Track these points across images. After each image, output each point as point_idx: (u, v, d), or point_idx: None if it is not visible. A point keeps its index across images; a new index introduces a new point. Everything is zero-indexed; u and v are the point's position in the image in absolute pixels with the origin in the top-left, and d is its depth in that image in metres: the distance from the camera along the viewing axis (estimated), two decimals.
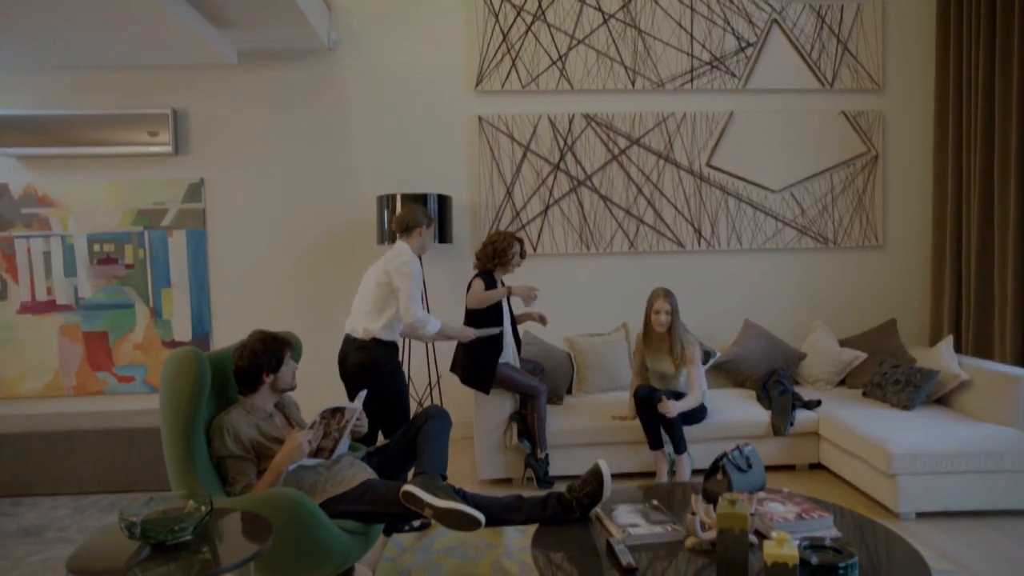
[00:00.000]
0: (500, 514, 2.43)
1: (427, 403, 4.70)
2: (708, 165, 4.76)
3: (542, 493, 2.48)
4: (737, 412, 3.90)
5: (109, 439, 4.09)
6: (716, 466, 2.61)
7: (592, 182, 4.72)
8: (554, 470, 3.86)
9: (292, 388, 2.66)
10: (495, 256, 3.78)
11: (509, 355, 3.80)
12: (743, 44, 4.73)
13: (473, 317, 3.74)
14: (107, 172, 4.57)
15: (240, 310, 4.66)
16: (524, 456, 3.81)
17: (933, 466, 3.19)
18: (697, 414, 3.77)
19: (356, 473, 2.57)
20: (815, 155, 4.79)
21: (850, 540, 2.23)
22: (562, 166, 4.70)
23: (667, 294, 3.78)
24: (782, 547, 1.87)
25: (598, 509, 2.44)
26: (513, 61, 4.64)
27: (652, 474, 3.95)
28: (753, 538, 2.19)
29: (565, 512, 2.41)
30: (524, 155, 4.69)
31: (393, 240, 4.21)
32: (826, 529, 2.28)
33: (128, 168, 4.57)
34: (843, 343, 4.53)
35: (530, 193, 4.71)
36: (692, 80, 4.72)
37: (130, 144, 4.45)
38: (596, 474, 2.38)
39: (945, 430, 3.37)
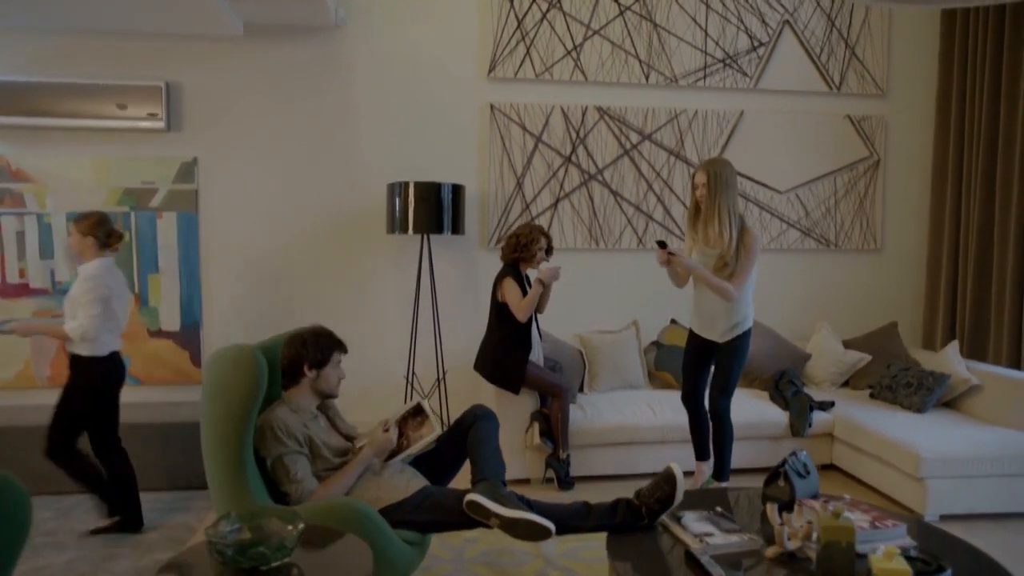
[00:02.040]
0: (568, 522, 2.33)
1: (430, 401, 4.55)
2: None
3: (609, 499, 2.39)
4: (754, 412, 3.89)
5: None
6: (777, 472, 2.57)
7: (603, 176, 4.64)
8: (573, 471, 3.78)
9: (333, 395, 2.51)
10: (518, 249, 3.66)
11: (535, 353, 3.70)
12: (756, 43, 4.72)
13: (506, 316, 3.62)
14: (91, 147, 4.23)
15: (233, 299, 4.40)
16: (545, 456, 3.72)
17: (960, 470, 3.25)
18: (739, 347, 3.29)
19: (410, 480, 2.43)
20: (821, 158, 4.83)
21: (928, 549, 2.21)
22: (573, 159, 4.61)
23: (709, 164, 3.23)
24: (892, 561, 1.83)
25: (665, 517, 2.37)
26: (527, 49, 4.50)
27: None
28: (812, 547, 2.15)
29: (634, 519, 2.33)
30: (536, 146, 4.57)
31: (405, 231, 4.04)
32: (900, 538, 2.26)
33: (114, 143, 4.25)
34: (846, 344, 4.60)
35: (540, 185, 4.59)
36: (705, 77, 4.68)
37: (117, 118, 4.13)
38: (668, 478, 2.31)
39: (965, 434, 3.43)
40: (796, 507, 2.32)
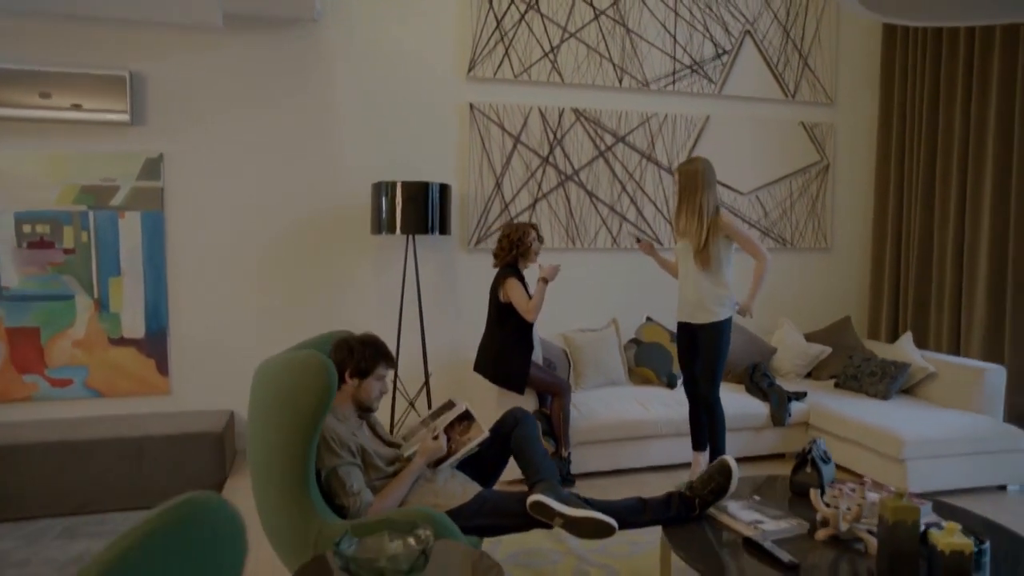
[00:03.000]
0: (625, 517, 2.37)
1: (418, 401, 4.48)
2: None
3: (662, 493, 2.44)
4: (736, 405, 4.06)
5: (55, 453, 3.51)
6: (804, 459, 2.71)
7: (579, 177, 4.71)
8: (572, 469, 3.83)
9: (372, 409, 2.44)
10: (513, 247, 3.67)
11: (535, 353, 3.71)
12: (720, 51, 4.93)
13: (508, 317, 3.61)
14: (44, 140, 3.89)
15: (203, 303, 4.17)
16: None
17: (934, 451, 3.53)
18: (718, 336, 3.46)
19: (464, 485, 2.40)
20: (778, 161, 5.10)
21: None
22: (551, 160, 4.65)
23: (688, 163, 3.50)
24: (953, 536, 1.98)
25: (711, 508, 2.45)
26: (506, 49, 4.51)
27: (665, 468, 4.04)
28: (860, 528, 2.29)
29: (687, 510, 2.39)
30: (514, 146, 4.58)
31: (392, 231, 3.96)
32: (927, 515, 2.44)
33: (71, 137, 3.92)
34: (807, 338, 4.87)
35: (519, 186, 4.61)
36: (674, 82, 4.84)
37: (75, 110, 3.82)
38: (723, 470, 2.39)
39: (932, 418, 3.73)
40: (828, 491, 2.44)
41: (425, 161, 4.46)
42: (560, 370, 4.18)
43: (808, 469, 2.68)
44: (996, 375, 3.91)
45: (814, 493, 2.39)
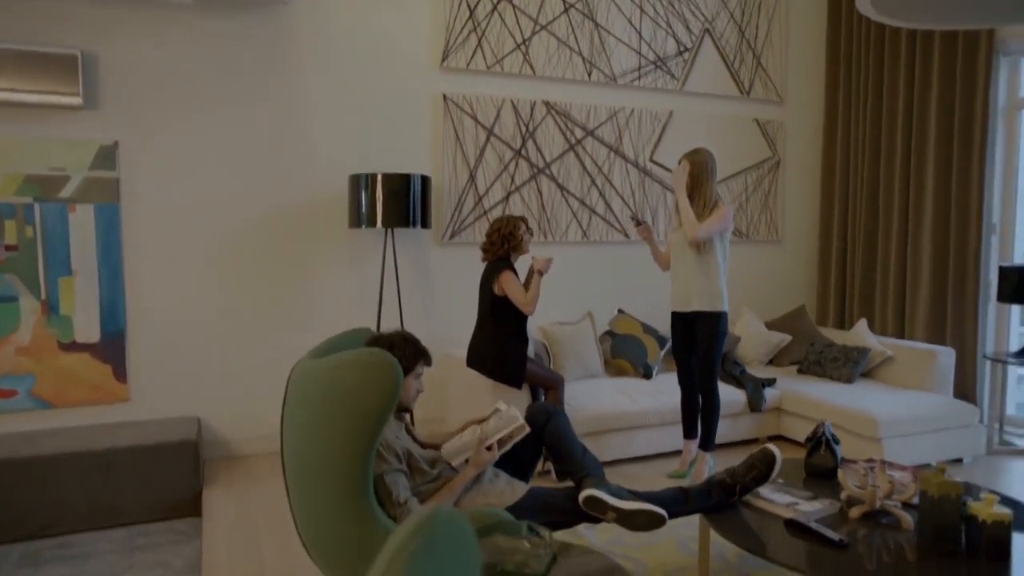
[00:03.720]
0: (670, 507, 2.38)
1: None
2: (651, 160, 5.00)
3: (701, 483, 2.47)
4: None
5: (5, 472, 3.17)
6: (818, 442, 2.81)
7: (551, 170, 4.71)
8: None
9: (408, 408, 2.35)
10: (505, 241, 3.62)
11: (529, 347, 3.67)
12: (682, 48, 5.04)
13: (504, 310, 3.55)
14: None
15: (164, 303, 3.87)
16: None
17: (904, 429, 3.76)
18: (716, 330, 3.55)
19: (510, 483, 2.34)
20: (735, 156, 5.27)
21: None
22: (523, 153, 4.62)
23: (692, 153, 3.59)
24: (992, 507, 2.10)
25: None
26: (479, 40, 4.43)
27: (650, 457, 4.10)
28: (890, 504, 2.41)
29: (727, 497, 2.43)
30: (488, 139, 4.52)
31: (372, 224, 3.82)
32: None
33: (15, 121, 3.55)
34: (767, 327, 5.08)
35: (492, 179, 4.55)
36: (640, 77, 4.91)
37: (19, 91, 3.45)
38: (765, 458, 2.44)
39: (898, 399, 3.97)
40: (849, 471, 2.55)
41: (399, 153, 4.33)
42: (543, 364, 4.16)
43: (823, 451, 2.78)
44: (947, 356, 4.20)
45: (843, 474, 2.48)
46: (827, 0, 5.47)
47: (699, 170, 3.55)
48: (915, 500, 2.47)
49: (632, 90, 4.93)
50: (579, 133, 4.76)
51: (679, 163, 3.60)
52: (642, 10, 4.88)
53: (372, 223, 3.84)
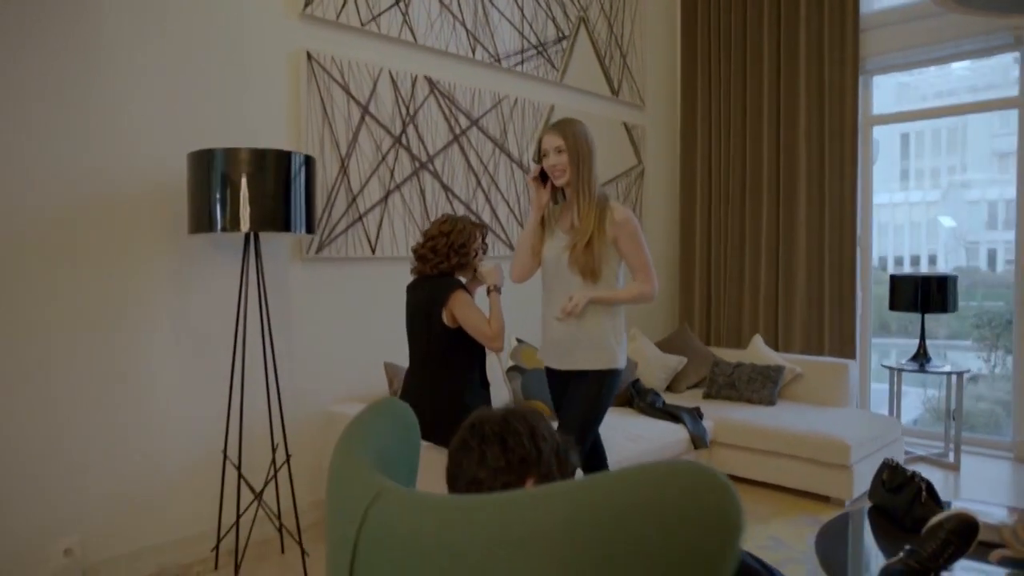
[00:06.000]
0: None
1: (268, 492, 2.92)
2: (535, 160, 4.24)
3: None
4: (652, 430, 3.54)
5: None
6: (917, 488, 2.28)
7: (434, 165, 3.71)
8: None
9: None
10: (453, 253, 2.60)
11: (506, 393, 2.65)
12: (560, 35, 4.40)
13: (458, 348, 2.50)
14: None
15: None
16: None
17: (864, 451, 3.47)
18: (605, 386, 2.47)
19: None
20: (609, 162, 4.76)
21: None
22: (404, 141, 3.56)
23: (561, 125, 2.53)
24: None
25: None
26: None
27: None
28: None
29: None
30: (363, 118, 3.38)
31: (235, 227, 2.50)
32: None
33: None
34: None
35: (369, 172, 3.42)
36: (522, 62, 4.16)
37: None
38: (960, 527, 1.80)
39: (836, 418, 3.70)
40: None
41: (242, 131, 2.99)
42: None
43: (924, 498, 2.26)
44: (854, 370, 4.10)
45: (1009, 531, 1.97)
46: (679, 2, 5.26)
47: (577, 143, 2.49)
48: None
49: (516, 77, 4.15)
50: (464, 122, 3.84)
51: (542, 142, 2.55)
52: None
53: (233, 225, 2.51)
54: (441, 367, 2.54)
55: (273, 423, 2.85)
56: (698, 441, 3.62)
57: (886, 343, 5.17)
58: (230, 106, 2.94)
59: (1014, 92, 4.23)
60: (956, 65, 4.66)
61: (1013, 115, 4.24)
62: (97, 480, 2.60)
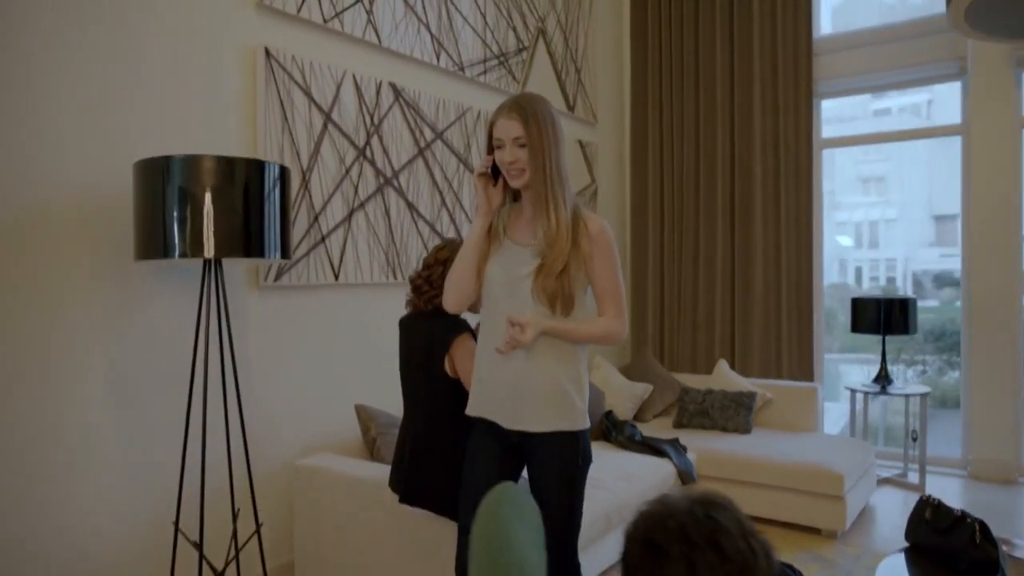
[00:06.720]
0: None
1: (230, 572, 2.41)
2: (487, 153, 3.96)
3: None
4: (637, 467, 3.31)
5: None
6: (971, 528, 2.15)
7: (399, 181, 3.35)
8: None
9: None
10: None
11: None
12: (521, 45, 4.16)
13: (458, 399, 2.14)
14: None
15: None
16: None
17: (853, 479, 3.39)
18: (576, 461, 1.88)
19: None
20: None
21: None
22: (368, 153, 3.18)
23: (520, 105, 1.83)
24: None
25: None
26: None
27: None
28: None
29: None
30: (325, 126, 2.98)
31: (196, 252, 2.06)
32: None
33: None
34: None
35: (332, 187, 3.02)
36: (485, 72, 3.88)
37: None
38: None
39: (814, 445, 3.62)
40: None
41: (186, 139, 2.53)
42: None
43: (979, 539, 2.14)
44: (820, 393, 4.06)
45: None
46: (628, 14, 5.15)
47: (540, 125, 1.82)
48: None
49: (479, 87, 3.86)
50: (429, 134, 3.50)
51: (494, 128, 1.86)
52: None
53: (195, 250, 2.06)
54: (442, 423, 2.18)
55: (235, 484, 2.39)
56: (685, 477, 3.42)
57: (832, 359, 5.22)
58: (171, 109, 2.47)
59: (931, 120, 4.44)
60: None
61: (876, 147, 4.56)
62: (12, 573, 2.05)
